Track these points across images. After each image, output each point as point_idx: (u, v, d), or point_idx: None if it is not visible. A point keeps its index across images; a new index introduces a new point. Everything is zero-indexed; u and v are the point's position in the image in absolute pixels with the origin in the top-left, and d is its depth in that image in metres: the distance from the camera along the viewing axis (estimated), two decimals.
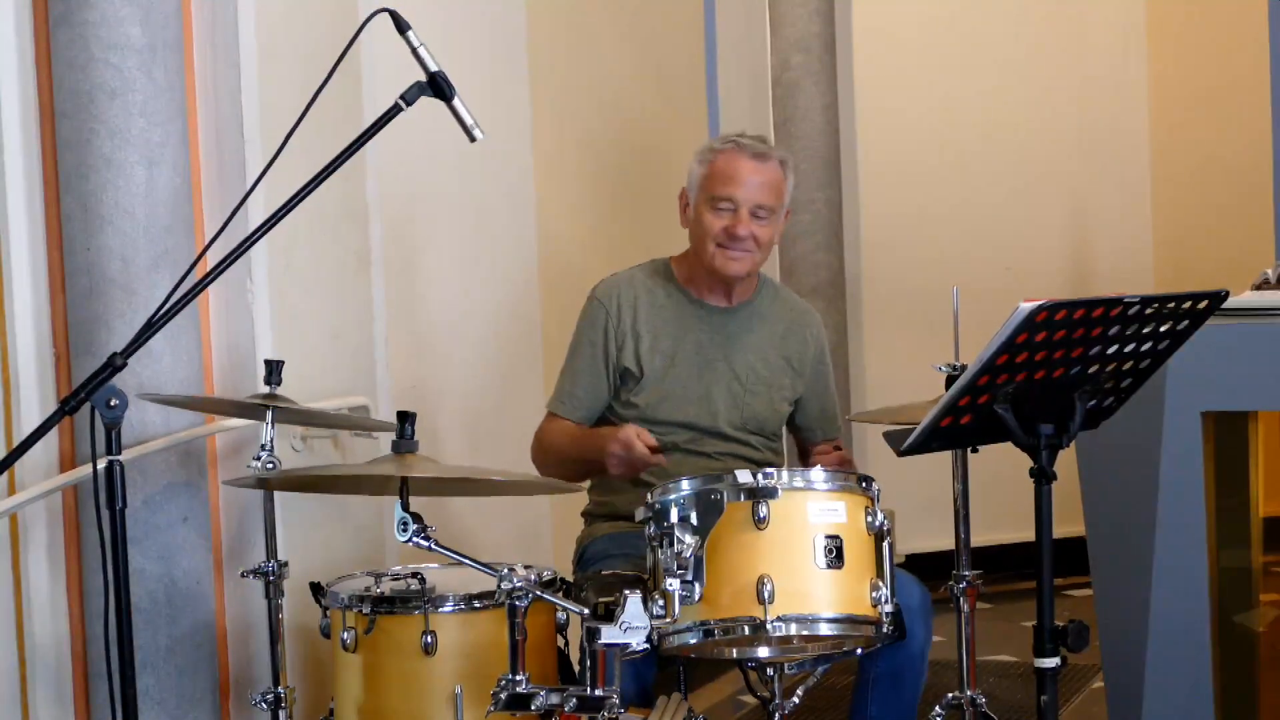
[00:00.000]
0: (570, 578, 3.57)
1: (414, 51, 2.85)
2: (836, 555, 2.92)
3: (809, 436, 3.87)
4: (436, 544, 2.89)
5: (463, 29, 4.50)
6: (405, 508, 2.91)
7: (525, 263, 4.89)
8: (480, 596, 3.12)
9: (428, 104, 2.85)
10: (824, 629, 2.93)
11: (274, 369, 3.39)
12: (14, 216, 3.50)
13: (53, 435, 3.44)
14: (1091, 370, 2.75)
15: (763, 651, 3.06)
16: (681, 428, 3.69)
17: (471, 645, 3.11)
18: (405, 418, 3.08)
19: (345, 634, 3.16)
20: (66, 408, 2.72)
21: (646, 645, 2.87)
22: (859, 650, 3.14)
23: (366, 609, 3.14)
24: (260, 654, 3.66)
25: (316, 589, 3.27)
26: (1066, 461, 2.86)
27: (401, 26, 2.85)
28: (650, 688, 3.30)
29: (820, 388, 3.86)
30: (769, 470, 2.95)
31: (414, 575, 3.19)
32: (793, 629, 2.89)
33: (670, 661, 3.28)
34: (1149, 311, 2.72)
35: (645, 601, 2.85)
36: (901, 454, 2.90)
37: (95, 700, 3.50)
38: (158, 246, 3.44)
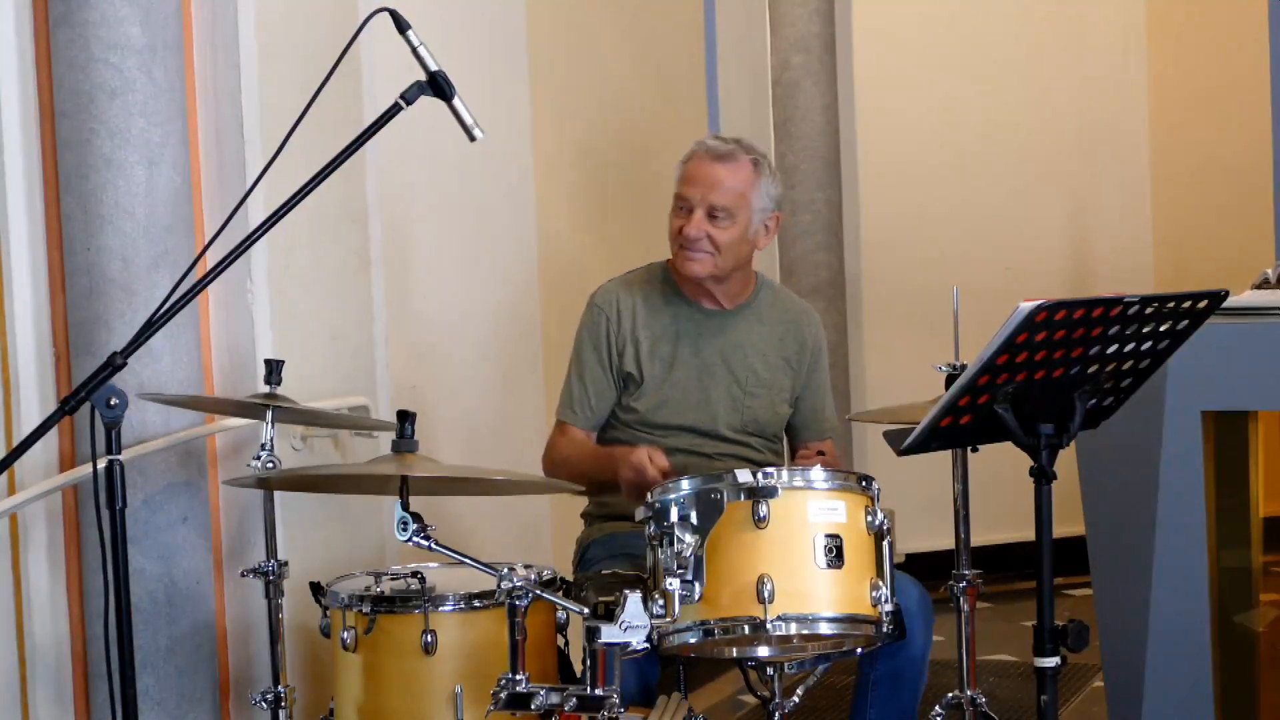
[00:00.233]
0: (570, 578, 3.57)
1: (414, 51, 2.85)
2: (836, 555, 2.91)
3: (796, 436, 3.84)
4: (436, 543, 2.89)
5: (462, 29, 4.50)
6: (405, 507, 2.91)
7: (525, 263, 4.89)
8: (480, 596, 3.11)
9: (428, 104, 2.85)
10: (824, 628, 2.92)
11: (274, 369, 3.39)
12: (14, 216, 3.50)
13: (53, 435, 3.44)
14: (1091, 370, 2.75)
15: (763, 651, 3.05)
16: (682, 431, 3.68)
17: (471, 645, 3.11)
18: (405, 417, 3.07)
19: (345, 633, 3.16)
20: (66, 407, 2.72)
21: (646, 645, 2.87)
22: (859, 650, 3.15)
23: (366, 608, 3.14)
24: (260, 654, 3.66)
25: (316, 589, 3.27)
26: (1066, 461, 2.86)
27: (401, 26, 2.85)
28: (654, 687, 3.30)
29: (814, 386, 3.83)
30: (769, 469, 2.95)
31: (414, 575, 3.18)
32: (793, 628, 2.89)
33: (670, 661, 3.28)
34: (1149, 311, 2.72)
35: (645, 601, 2.85)
36: (901, 454, 2.90)
37: (95, 700, 3.49)
38: (158, 246, 3.44)
